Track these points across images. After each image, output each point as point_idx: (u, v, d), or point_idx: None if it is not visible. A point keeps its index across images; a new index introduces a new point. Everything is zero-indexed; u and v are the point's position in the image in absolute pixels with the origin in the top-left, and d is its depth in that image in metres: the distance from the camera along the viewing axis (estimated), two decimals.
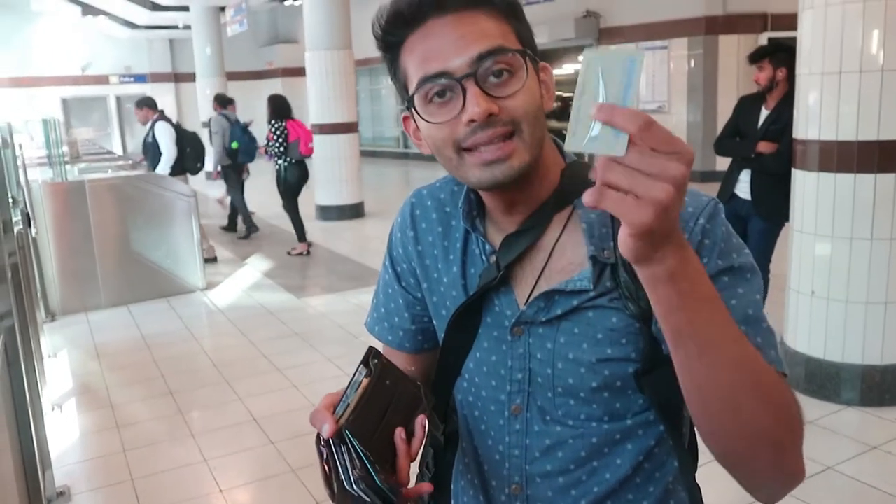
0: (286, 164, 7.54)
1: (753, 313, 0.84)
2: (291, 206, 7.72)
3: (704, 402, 0.76)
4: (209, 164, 8.73)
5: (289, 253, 7.71)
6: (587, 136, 0.62)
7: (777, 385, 0.77)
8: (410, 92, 0.86)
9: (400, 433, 0.85)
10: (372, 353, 0.86)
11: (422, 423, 0.87)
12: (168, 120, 7.28)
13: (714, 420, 0.77)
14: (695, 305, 0.69)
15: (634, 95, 0.62)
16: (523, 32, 0.87)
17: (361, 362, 0.85)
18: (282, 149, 7.46)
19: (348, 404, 0.82)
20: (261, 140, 8.37)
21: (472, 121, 0.81)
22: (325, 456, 0.80)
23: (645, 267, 0.67)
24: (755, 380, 0.74)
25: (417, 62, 0.84)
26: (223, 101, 9.27)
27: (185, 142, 7.28)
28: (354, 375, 0.84)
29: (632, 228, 0.62)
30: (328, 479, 0.81)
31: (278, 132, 7.47)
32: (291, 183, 7.66)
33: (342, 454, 0.79)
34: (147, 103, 7.34)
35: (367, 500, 0.78)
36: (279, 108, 7.62)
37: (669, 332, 0.72)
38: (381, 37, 0.88)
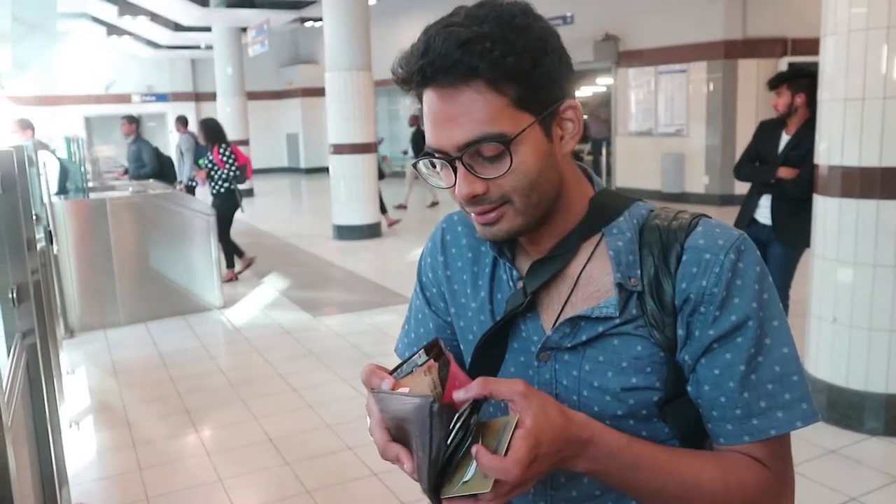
0: (234, 188, 7.38)
1: (781, 370, 0.85)
2: (227, 231, 7.40)
3: None
4: (181, 177, 9.86)
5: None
6: (461, 480, 0.75)
7: (732, 486, 0.84)
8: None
9: None
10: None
11: None
12: (46, 146, 6.71)
13: None
14: (616, 481, 0.83)
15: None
16: (528, 93, 0.83)
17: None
18: (237, 173, 7.29)
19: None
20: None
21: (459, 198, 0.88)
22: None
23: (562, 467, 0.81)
24: (702, 500, 0.84)
25: (425, 123, 0.87)
26: (185, 122, 10.73)
27: (66, 174, 6.67)
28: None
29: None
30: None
31: (230, 158, 7.27)
32: (234, 208, 7.47)
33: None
34: (28, 125, 6.89)
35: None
36: (218, 133, 7.40)
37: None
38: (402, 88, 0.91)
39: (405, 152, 12.65)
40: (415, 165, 0.91)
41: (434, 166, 0.90)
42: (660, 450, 0.84)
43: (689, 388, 0.88)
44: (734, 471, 0.85)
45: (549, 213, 0.90)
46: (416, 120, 11.51)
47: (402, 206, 12.17)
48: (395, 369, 0.84)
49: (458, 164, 0.84)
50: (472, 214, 0.89)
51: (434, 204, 12.43)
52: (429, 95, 0.85)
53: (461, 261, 1.03)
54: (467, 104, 0.82)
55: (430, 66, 0.82)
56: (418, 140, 10.95)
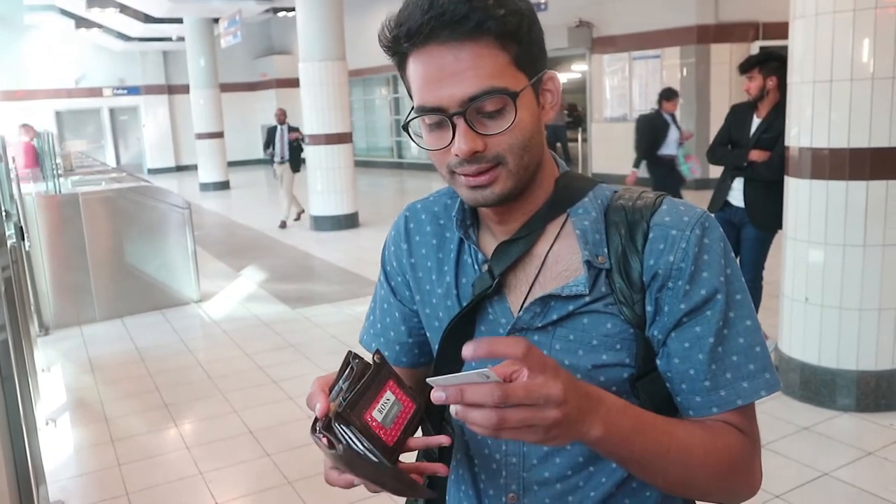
0: None
1: (745, 341, 0.88)
2: None
3: (655, 485, 0.88)
4: None
5: None
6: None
7: (720, 449, 0.86)
8: (413, 104, 0.89)
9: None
10: (352, 354, 0.87)
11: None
12: None
13: (666, 492, 0.91)
14: (629, 444, 0.79)
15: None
16: (524, 55, 0.86)
17: (351, 357, 0.86)
18: None
19: (342, 388, 0.83)
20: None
21: (458, 155, 0.85)
22: (323, 438, 0.80)
23: (578, 440, 0.75)
24: (698, 463, 0.84)
25: (418, 84, 0.86)
26: None
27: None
28: (348, 367, 0.85)
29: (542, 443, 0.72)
30: (331, 445, 0.80)
31: None
32: None
33: (344, 432, 0.80)
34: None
35: (374, 458, 0.80)
36: None
37: (614, 461, 0.84)
38: (388, 51, 0.90)
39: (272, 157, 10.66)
40: (405, 127, 0.90)
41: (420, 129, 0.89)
42: (652, 413, 0.84)
43: (658, 362, 0.89)
44: (720, 436, 0.87)
45: (528, 183, 0.91)
46: (284, 115, 10.42)
47: (283, 225, 10.36)
48: (337, 377, 0.85)
49: (459, 121, 0.84)
50: (461, 178, 0.88)
51: (300, 215, 10.60)
52: (428, 52, 0.84)
53: (425, 248, 1.03)
54: (473, 59, 0.82)
55: (439, 19, 0.82)
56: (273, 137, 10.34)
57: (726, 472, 0.87)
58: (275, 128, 10.27)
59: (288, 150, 10.20)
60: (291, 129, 10.25)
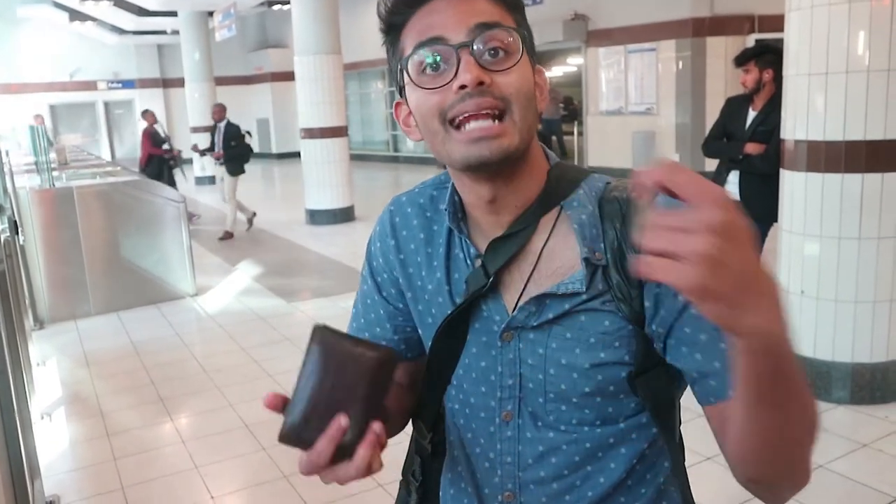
0: None
1: None
2: None
3: (767, 447, 0.75)
4: None
5: None
6: None
7: (815, 408, 0.75)
8: (405, 56, 0.86)
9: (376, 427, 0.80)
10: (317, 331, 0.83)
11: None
12: None
13: (767, 461, 0.76)
14: (787, 373, 0.66)
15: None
16: (523, 25, 0.87)
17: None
18: None
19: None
20: None
21: (463, 87, 0.81)
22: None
23: (738, 338, 0.61)
24: (810, 417, 0.74)
25: (415, 35, 0.85)
26: None
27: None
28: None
29: (686, 293, 0.56)
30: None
31: None
32: None
33: None
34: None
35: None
36: None
37: (752, 396, 0.68)
38: (385, 17, 0.88)
39: (203, 153, 9.90)
40: (403, 70, 0.86)
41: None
42: None
43: (667, 357, 0.86)
44: None
45: (522, 164, 0.88)
46: (222, 112, 9.12)
47: (228, 235, 9.08)
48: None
49: (465, 52, 0.82)
50: (458, 133, 0.83)
51: (227, 236, 9.06)
52: (435, 4, 0.84)
53: (414, 242, 0.99)
54: (483, 4, 0.84)
55: None
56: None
57: (809, 440, 0.76)
58: (214, 126, 9.16)
59: (227, 150, 8.92)
60: (231, 126, 8.98)
